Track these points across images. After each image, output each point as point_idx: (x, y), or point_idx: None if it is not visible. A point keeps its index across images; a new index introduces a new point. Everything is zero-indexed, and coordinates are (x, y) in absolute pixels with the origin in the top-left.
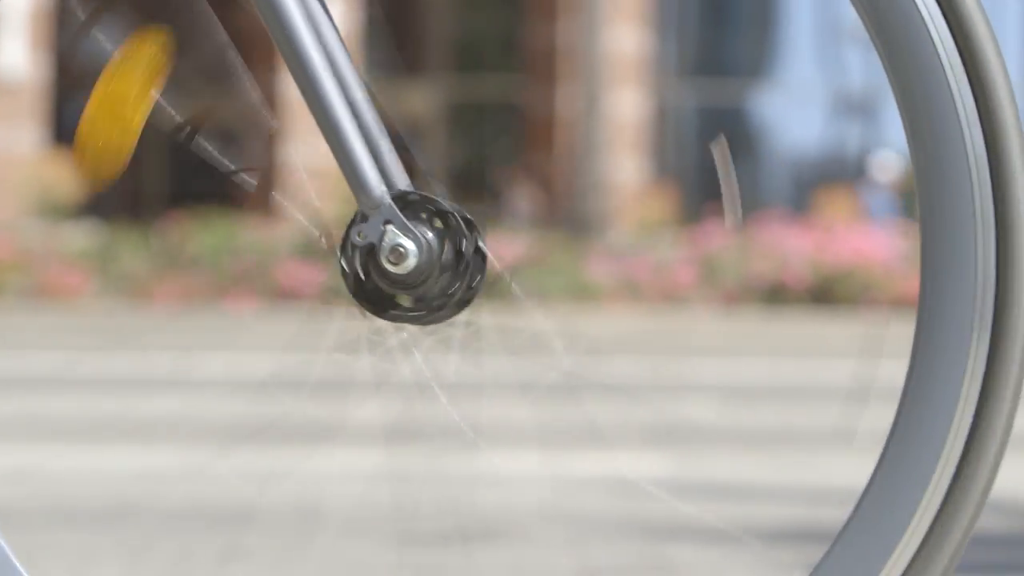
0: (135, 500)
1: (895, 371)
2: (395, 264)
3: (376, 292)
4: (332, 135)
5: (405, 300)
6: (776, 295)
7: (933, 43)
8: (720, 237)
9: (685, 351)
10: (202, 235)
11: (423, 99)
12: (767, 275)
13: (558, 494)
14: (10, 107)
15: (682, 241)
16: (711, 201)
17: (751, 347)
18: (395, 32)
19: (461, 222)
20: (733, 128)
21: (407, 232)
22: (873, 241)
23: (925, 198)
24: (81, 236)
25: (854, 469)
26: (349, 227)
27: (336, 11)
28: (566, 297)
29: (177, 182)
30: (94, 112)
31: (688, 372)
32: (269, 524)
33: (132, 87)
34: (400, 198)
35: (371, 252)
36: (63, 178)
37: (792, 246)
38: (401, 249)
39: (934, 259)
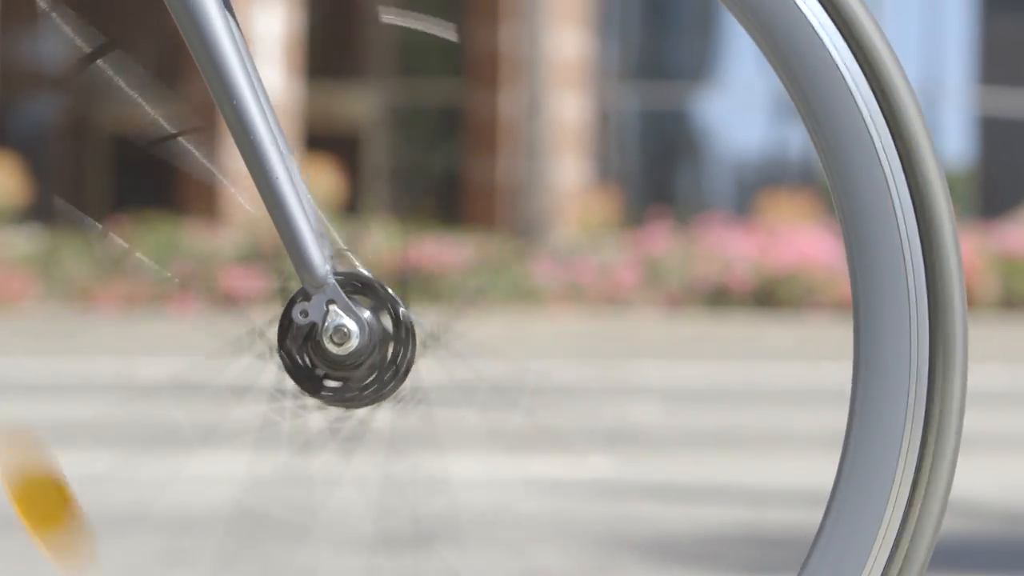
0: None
1: (836, 373)
2: (339, 345)
3: (307, 371)
4: (277, 211)
5: (335, 381)
6: (719, 298)
7: (826, 48)
8: (663, 240)
9: (628, 353)
10: (146, 240)
11: (364, 103)
12: (710, 278)
13: (502, 498)
14: None
15: (625, 244)
16: (654, 204)
17: (694, 349)
18: (336, 36)
19: (391, 299)
20: (676, 131)
21: (350, 313)
22: (815, 244)
23: (844, 204)
24: (24, 241)
25: (796, 471)
26: (289, 305)
27: (277, 14)
28: (510, 300)
29: (121, 187)
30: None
31: (631, 374)
32: (213, 529)
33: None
34: (344, 279)
35: (311, 332)
36: (5, 183)
37: (735, 249)
38: (345, 330)
39: (862, 263)
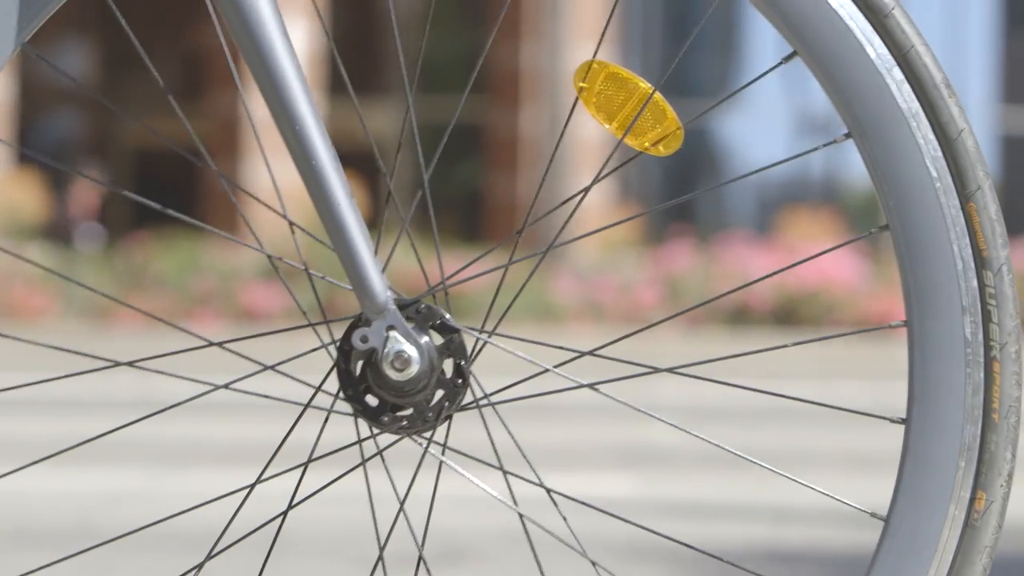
0: (98, 521)
1: (856, 392)
2: (399, 371)
3: (363, 395)
4: (338, 236)
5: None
6: (740, 316)
7: (865, 52)
8: (684, 258)
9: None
10: (166, 256)
11: (386, 120)
12: (731, 297)
13: (528, 519)
14: None
15: (646, 262)
16: (675, 222)
17: (714, 368)
18: (358, 52)
19: (462, 341)
20: (697, 149)
21: (410, 340)
22: (836, 263)
23: (892, 210)
24: (45, 256)
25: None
26: (350, 328)
27: (300, 31)
28: (531, 318)
29: (141, 204)
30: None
31: (651, 393)
32: (234, 545)
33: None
34: (406, 307)
35: (371, 357)
36: (28, 198)
37: (756, 267)
38: (405, 356)
39: (918, 286)
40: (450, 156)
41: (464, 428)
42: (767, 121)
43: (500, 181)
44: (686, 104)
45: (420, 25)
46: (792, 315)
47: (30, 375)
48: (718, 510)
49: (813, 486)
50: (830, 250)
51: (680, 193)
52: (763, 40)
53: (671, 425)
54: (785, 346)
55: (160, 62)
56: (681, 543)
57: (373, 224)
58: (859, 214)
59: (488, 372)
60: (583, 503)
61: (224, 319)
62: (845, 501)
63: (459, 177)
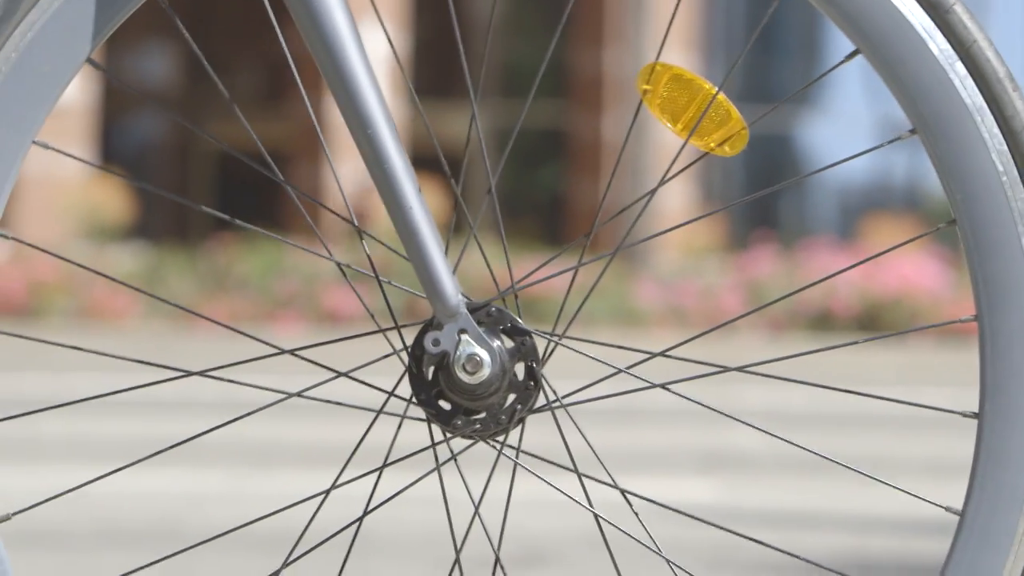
0: (181, 521)
1: (940, 399)
2: (471, 374)
3: (435, 399)
4: (411, 240)
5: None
6: (823, 322)
7: (927, 47)
8: (767, 264)
9: (732, 378)
10: (249, 258)
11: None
12: (814, 302)
13: (604, 520)
14: (58, 129)
15: (729, 267)
16: (758, 228)
17: (798, 374)
18: (440, 57)
19: (533, 343)
20: (780, 155)
21: (482, 344)
22: (920, 269)
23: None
24: (128, 258)
25: (900, 497)
26: (422, 332)
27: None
28: (613, 322)
29: (225, 204)
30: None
31: (734, 398)
32: (313, 550)
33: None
34: (476, 310)
35: (443, 360)
36: (110, 200)
37: (840, 274)
38: (477, 359)
39: (988, 280)
40: (533, 161)
41: (542, 431)
42: (850, 127)
43: (583, 186)
44: (767, 110)
45: (503, 31)
46: (875, 321)
47: (109, 376)
48: (801, 517)
49: (891, 483)
50: (896, 247)
51: (764, 200)
52: (845, 45)
53: (749, 425)
54: (855, 343)
55: (244, 66)
56: (765, 544)
57: (457, 229)
58: (942, 219)
59: (565, 375)
60: (658, 503)
61: (306, 321)
62: (921, 497)
63: (542, 182)
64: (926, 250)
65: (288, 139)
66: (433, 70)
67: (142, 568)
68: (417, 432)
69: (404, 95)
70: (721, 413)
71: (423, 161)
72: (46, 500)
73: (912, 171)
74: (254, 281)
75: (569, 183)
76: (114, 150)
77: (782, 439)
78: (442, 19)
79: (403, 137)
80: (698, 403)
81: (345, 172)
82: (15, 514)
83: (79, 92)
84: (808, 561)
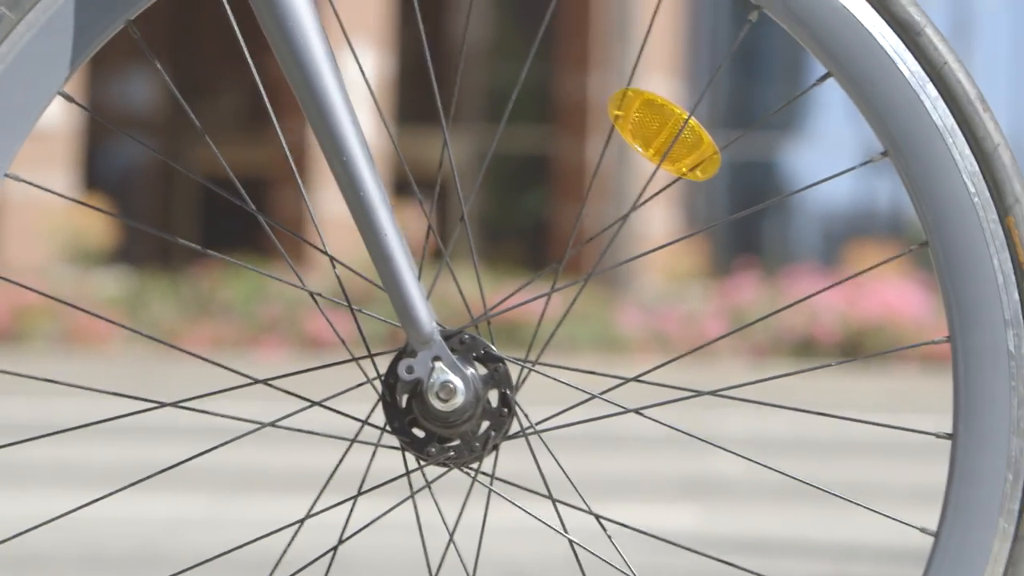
0: (164, 547)
1: (921, 424)
2: (444, 401)
3: (409, 427)
4: (385, 267)
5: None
6: (806, 348)
7: (898, 69)
8: (750, 290)
9: (711, 404)
10: (232, 283)
11: (454, 149)
12: (797, 328)
13: (579, 545)
14: (42, 153)
15: (711, 293)
16: (741, 254)
17: (780, 400)
18: (425, 82)
19: (507, 370)
20: (763, 181)
21: (456, 371)
22: (903, 295)
23: (931, 226)
24: (111, 282)
25: (884, 525)
26: (396, 359)
27: (367, 59)
28: (595, 348)
29: (208, 230)
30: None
31: (716, 425)
32: (301, 573)
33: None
34: (450, 337)
35: (416, 388)
36: (94, 224)
37: (823, 300)
38: (451, 386)
39: (960, 301)
40: (517, 186)
41: (518, 457)
42: (833, 153)
43: (567, 211)
44: (754, 137)
45: (487, 55)
46: (858, 347)
47: (92, 402)
48: (781, 544)
49: (869, 507)
50: (870, 269)
51: (747, 225)
52: (822, 70)
53: (726, 450)
54: (829, 365)
55: (229, 88)
56: (744, 569)
57: (439, 254)
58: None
59: (543, 402)
60: (632, 528)
61: (290, 347)
62: (895, 518)
63: (526, 207)
64: (909, 276)
65: (273, 163)
66: (419, 94)
67: None
68: (394, 459)
69: (389, 120)
70: (696, 438)
71: (406, 186)
72: (32, 528)
73: (895, 197)
74: (237, 306)
75: (553, 208)
76: (98, 174)
77: (760, 464)
78: (430, 42)
79: (389, 162)
80: (672, 427)
81: (325, 198)
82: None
83: (63, 116)
84: None
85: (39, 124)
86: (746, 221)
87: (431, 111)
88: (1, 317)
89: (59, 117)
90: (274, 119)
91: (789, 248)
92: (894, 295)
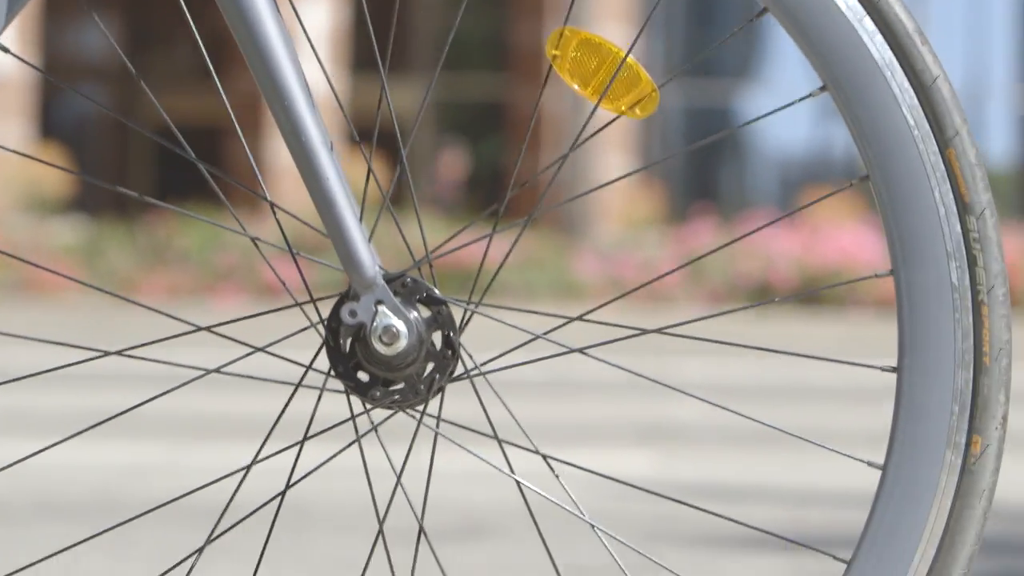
0: (119, 494)
1: (876, 375)
2: (387, 345)
3: (353, 371)
4: (327, 211)
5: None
6: (762, 294)
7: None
8: (707, 236)
9: (672, 351)
10: (188, 231)
11: (409, 97)
12: (753, 275)
13: (543, 492)
14: None
15: (668, 240)
16: (698, 201)
17: (736, 348)
18: (380, 30)
19: (450, 312)
20: (719, 128)
21: (399, 314)
22: (859, 242)
23: (885, 198)
24: (67, 231)
25: (838, 470)
26: (338, 304)
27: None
28: (552, 294)
29: (164, 177)
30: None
31: (673, 371)
32: (252, 519)
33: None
34: (392, 281)
35: (359, 332)
36: (49, 173)
37: (778, 246)
38: (394, 330)
39: (902, 235)
40: (473, 134)
41: (472, 404)
42: (788, 99)
43: (524, 159)
44: (709, 84)
45: (442, 2)
46: (814, 294)
47: (47, 349)
48: (740, 490)
49: (818, 443)
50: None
51: (703, 172)
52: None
53: (680, 391)
54: (773, 300)
55: (186, 38)
56: (699, 508)
57: (396, 202)
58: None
59: (492, 348)
60: (579, 467)
61: (246, 294)
62: (843, 452)
63: (482, 155)
64: (864, 221)
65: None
66: (371, 43)
67: (83, 542)
68: (343, 404)
69: (347, 68)
70: (643, 376)
71: (366, 134)
72: None
73: (851, 143)
74: (193, 254)
75: (509, 155)
76: (54, 123)
77: (716, 405)
78: None
79: (347, 110)
80: (616, 366)
81: (278, 147)
82: None
83: (17, 66)
84: (747, 525)
85: None
86: (703, 168)
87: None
88: None
89: (13, 67)
90: (212, 68)
91: (745, 194)
92: (849, 241)
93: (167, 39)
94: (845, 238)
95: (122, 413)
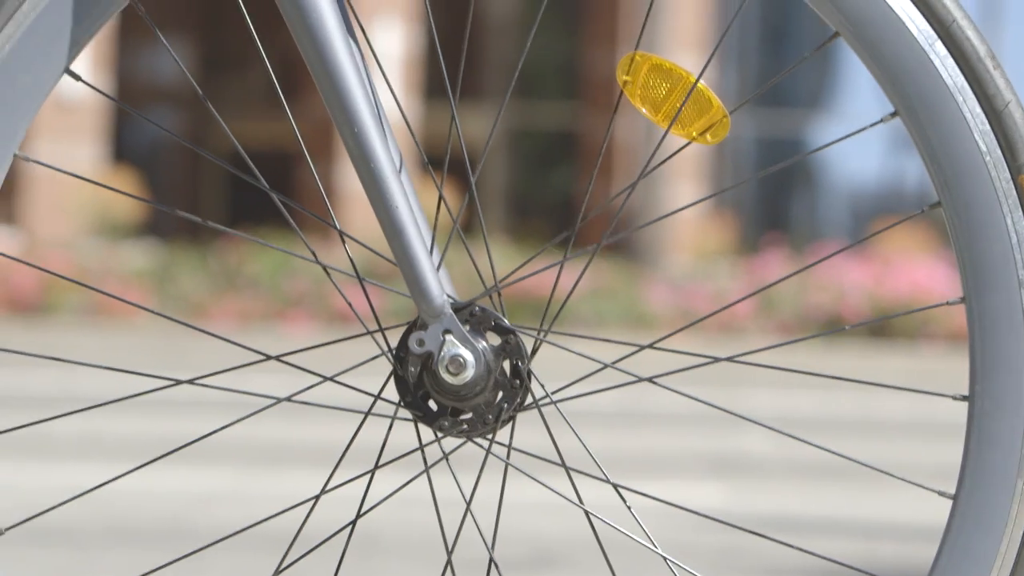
0: (189, 522)
1: (950, 406)
2: (454, 375)
3: (422, 400)
4: (395, 239)
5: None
6: (833, 327)
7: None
8: (778, 268)
9: (742, 382)
10: (260, 257)
11: (480, 125)
12: (824, 307)
13: (595, 516)
14: (70, 125)
15: (739, 271)
16: (769, 232)
17: (807, 379)
18: (454, 56)
19: (519, 342)
20: (791, 158)
21: (466, 344)
22: (931, 274)
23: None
24: (139, 255)
25: (909, 503)
26: (406, 333)
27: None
28: (623, 324)
29: (236, 202)
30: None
31: (744, 403)
32: (320, 548)
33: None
34: (460, 310)
35: (427, 361)
36: (121, 198)
37: (850, 278)
38: (460, 360)
39: (974, 261)
40: (546, 162)
41: (543, 434)
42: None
43: (595, 188)
44: (781, 114)
45: (516, 30)
46: (886, 327)
47: (118, 375)
48: (809, 521)
49: (895, 474)
50: (878, 233)
51: (775, 203)
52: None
53: (752, 421)
54: (843, 329)
55: (255, 64)
56: (769, 538)
57: (468, 229)
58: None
59: (562, 377)
60: (651, 497)
61: (316, 321)
62: (916, 483)
63: (554, 183)
64: (936, 255)
65: (301, 137)
66: (448, 68)
67: (154, 572)
68: (414, 433)
69: (419, 94)
70: (716, 407)
71: (439, 162)
72: (60, 504)
73: (924, 175)
74: (264, 280)
75: (581, 184)
76: (126, 146)
77: (788, 435)
78: (453, 18)
79: (419, 137)
80: (687, 395)
81: (349, 173)
82: (9, 529)
83: (90, 89)
84: (821, 557)
85: (66, 95)
86: (774, 199)
87: (463, 85)
88: (29, 290)
89: (86, 91)
90: (280, 94)
91: (817, 226)
92: (922, 273)
93: (240, 63)
94: (917, 271)
95: (193, 442)
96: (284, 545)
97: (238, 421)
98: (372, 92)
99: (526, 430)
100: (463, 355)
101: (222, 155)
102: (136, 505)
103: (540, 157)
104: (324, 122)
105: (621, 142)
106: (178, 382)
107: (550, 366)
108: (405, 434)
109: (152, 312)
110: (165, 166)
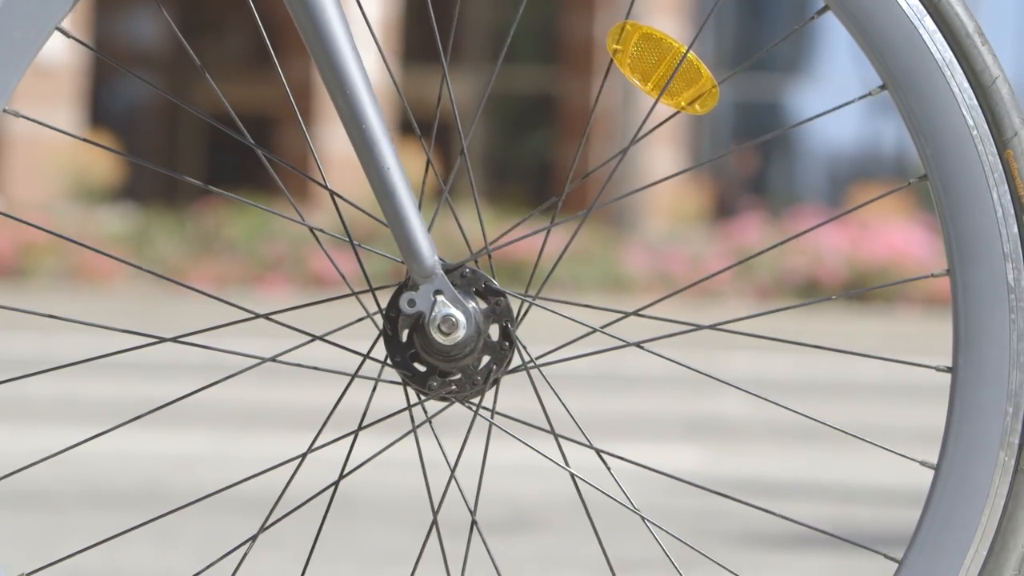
0: (167, 483)
1: (925, 371)
2: (446, 335)
3: (410, 361)
4: (387, 200)
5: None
6: (810, 290)
7: (896, 3)
8: (755, 232)
9: (716, 344)
10: (237, 220)
11: (459, 90)
12: (801, 270)
13: (579, 478)
14: (47, 89)
15: (717, 235)
16: (746, 196)
17: (783, 342)
18: (433, 22)
19: (508, 304)
20: (769, 123)
21: (457, 304)
22: (908, 238)
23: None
24: (116, 220)
25: (885, 466)
26: (397, 293)
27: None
28: (600, 288)
29: (213, 166)
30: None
31: (720, 366)
32: (301, 510)
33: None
34: (451, 271)
35: (418, 321)
36: (99, 161)
37: (827, 242)
38: (453, 320)
39: (959, 234)
40: (523, 126)
41: (523, 396)
42: (839, 97)
43: (572, 151)
44: (759, 78)
45: None
46: (868, 292)
47: (96, 337)
48: (787, 486)
49: (874, 442)
50: (860, 206)
51: (753, 169)
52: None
53: (731, 385)
54: (829, 298)
55: (238, 26)
56: (746, 503)
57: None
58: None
59: (545, 340)
60: (633, 462)
61: (294, 284)
62: (896, 451)
63: (531, 147)
64: (913, 218)
65: (280, 101)
66: (425, 33)
67: (131, 530)
68: (397, 396)
69: (398, 58)
70: (697, 371)
71: (410, 125)
72: (33, 463)
73: (900, 139)
74: (242, 244)
75: (558, 148)
76: (103, 111)
77: (766, 399)
78: None
79: (394, 102)
80: (673, 361)
81: (330, 136)
82: None
83: (67, 52)
84: (796, 522)
85: (43, 60)
86: (751, 162)
87: (435, 51)
88: (6, 253)
89: (63, 53)
90: (273, 56)
91: (794, 190)
92: (899, 237)
93: (217, 28)
94: (894, 235)
95: (171, 403)
96: (263, 508)
97: (218, 382)
98: (360, 55)
99: (506, 395)
100: (455, 315)
101: (199, 118)
102: (114, 468)
103: (517, 121)
104: (304, 85)
105: (599, 107)
106: (161, 339)
107: (533, 329)
108: (386, 398)
109: (137, 267)
110: (142, 131)
